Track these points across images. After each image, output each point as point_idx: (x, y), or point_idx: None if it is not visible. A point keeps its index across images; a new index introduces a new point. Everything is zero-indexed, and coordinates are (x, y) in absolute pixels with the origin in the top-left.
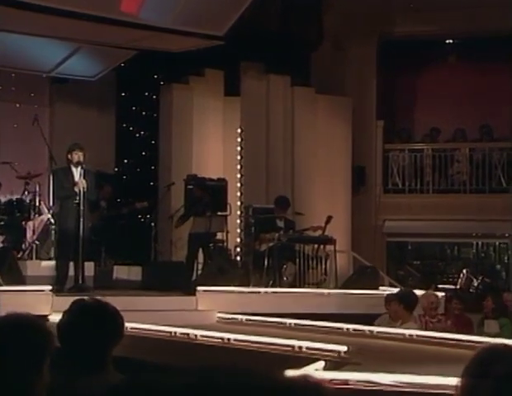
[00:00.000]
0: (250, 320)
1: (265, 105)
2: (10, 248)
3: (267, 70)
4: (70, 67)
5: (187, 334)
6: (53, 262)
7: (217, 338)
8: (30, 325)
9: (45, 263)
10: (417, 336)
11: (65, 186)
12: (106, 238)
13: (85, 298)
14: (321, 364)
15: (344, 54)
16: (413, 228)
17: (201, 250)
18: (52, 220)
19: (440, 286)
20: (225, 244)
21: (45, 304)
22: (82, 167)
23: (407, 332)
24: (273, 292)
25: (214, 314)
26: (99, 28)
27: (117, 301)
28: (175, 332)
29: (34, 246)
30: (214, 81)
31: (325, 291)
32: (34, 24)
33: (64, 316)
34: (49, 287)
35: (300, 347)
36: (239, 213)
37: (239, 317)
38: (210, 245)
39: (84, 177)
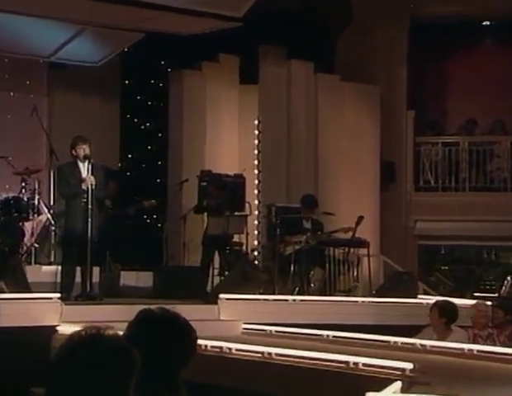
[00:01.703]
0: (280, 332)
1: (286, 93)
2: (13, 251)
3: (288, 55)
4: (71, 51)
5: (220, 348)
6: (54, 267)
7: (256, 352)
8: (115, 345)
9: (45, 268)
10: (478, 351)
11: (72, 183)
12: (112, 241)
13: (152, 308)
14: (398, 385)
15: (372, 39)
16: (447, 230)
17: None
18: (52, 221)
19: (477, 294)
20: (245, 247)
21: (54, 313)
22: (89, 162)
23: (466, 346)
24: (302, 300)
25: (239, 325)
26: (105, 8)
27: (127, 310)
28: (206, 346)
29: (32, 249)
30: (229, 67)
31: (359, 300)
32: (31, 3)
33: (128, 329)
34: (58, 295)
35: (355, 364)
36: (256, 213)
37: (268, 328)
38: (227, 248)
39: (92, 173)
